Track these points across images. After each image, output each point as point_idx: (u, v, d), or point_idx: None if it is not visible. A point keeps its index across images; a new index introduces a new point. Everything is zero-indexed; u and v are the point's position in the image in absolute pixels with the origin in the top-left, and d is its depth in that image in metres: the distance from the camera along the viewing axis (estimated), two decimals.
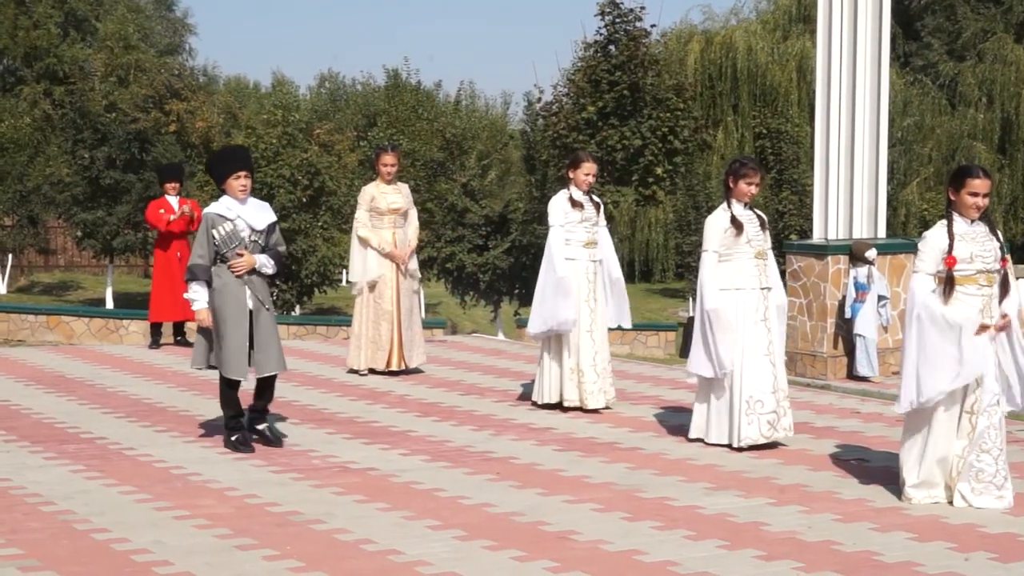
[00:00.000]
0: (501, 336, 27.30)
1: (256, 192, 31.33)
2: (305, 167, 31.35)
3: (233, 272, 9.60)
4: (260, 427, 10.00)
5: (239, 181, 9.70)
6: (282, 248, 10.04)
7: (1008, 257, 8.57)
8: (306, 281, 30.66)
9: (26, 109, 46.98)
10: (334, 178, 32.43)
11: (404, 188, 14.10)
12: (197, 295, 9.61)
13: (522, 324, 28.10)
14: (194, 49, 70.57)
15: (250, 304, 9.66)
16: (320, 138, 34.16)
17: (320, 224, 31.19)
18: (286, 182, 30.55)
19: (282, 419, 11.14)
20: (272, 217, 9.94)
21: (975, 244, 8.28)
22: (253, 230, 9.72)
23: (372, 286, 13.67)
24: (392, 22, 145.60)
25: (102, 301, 35.01)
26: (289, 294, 30.45)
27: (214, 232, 9.60)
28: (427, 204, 31.91)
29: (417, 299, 14.19)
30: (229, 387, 9.80)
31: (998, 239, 8.42)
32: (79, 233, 34.93)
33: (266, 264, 9.76)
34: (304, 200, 30.97)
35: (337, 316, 30.69)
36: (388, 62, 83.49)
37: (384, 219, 13.78)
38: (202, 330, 9.76)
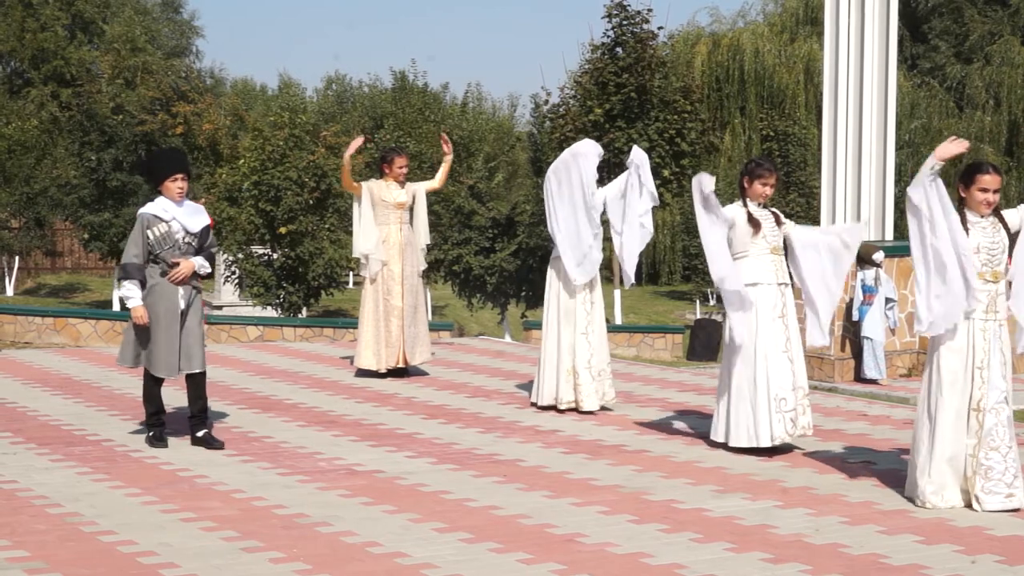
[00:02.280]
0: (508, 338, 27.30)
1: (264, 194, 31.24)
2: (312, 169, 31.30)
3: (171, 280, 9.71)
4: (200, 434, 10.02)
5: (176, 183, 9.80)
6: (215, 249, 10.18)
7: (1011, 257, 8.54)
8: (313, 283, 30.62)
9: (33, 111, 47.06)
10: (341, 180, 32.40)
11: (408, 185, 14.09)
12: (131, 293, 9.70)
13: (529, 326, 28.09)
14: (201, 51, 70.89)
15: (181, 304, 9.80)
16: (327, 140, 34.09)
17: (327, 226, 31.14)
18: (293, 184, 30.51)
19: (289, 421, 11.14)
20: (206, 221, 10.03)
21: (983, 235, 8.28)
22: (187, 232, 9.83)
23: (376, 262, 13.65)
24: (399, 24, 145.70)
25: (109, 303, 35.02)
26: (296, 296, 30.42)
27: (148, 232, 9.71)
28: (434, 206, 31.87)
29: (422, 296, 14.16)
30: (155, 384, 9.94)
31: (1007, 231, 8.39)
32: (86, 235, 34.91)
33: (204, 265, 9.92)
34: (311, 202, 30.92)
35: (344, 318, 30.66)
36: (395, 64, 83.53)
37: (391, 215, 13.76)
38: (135, 328, 9.79)
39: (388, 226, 13.77)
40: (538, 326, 26.72)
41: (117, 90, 35.97)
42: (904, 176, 42.06)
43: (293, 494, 8.40)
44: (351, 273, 33.13)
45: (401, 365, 13.76)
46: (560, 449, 10.14)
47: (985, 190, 8.30)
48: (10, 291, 39.04)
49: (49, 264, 45.36)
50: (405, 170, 13.86)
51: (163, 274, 9.72)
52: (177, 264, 9.72)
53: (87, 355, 16.07)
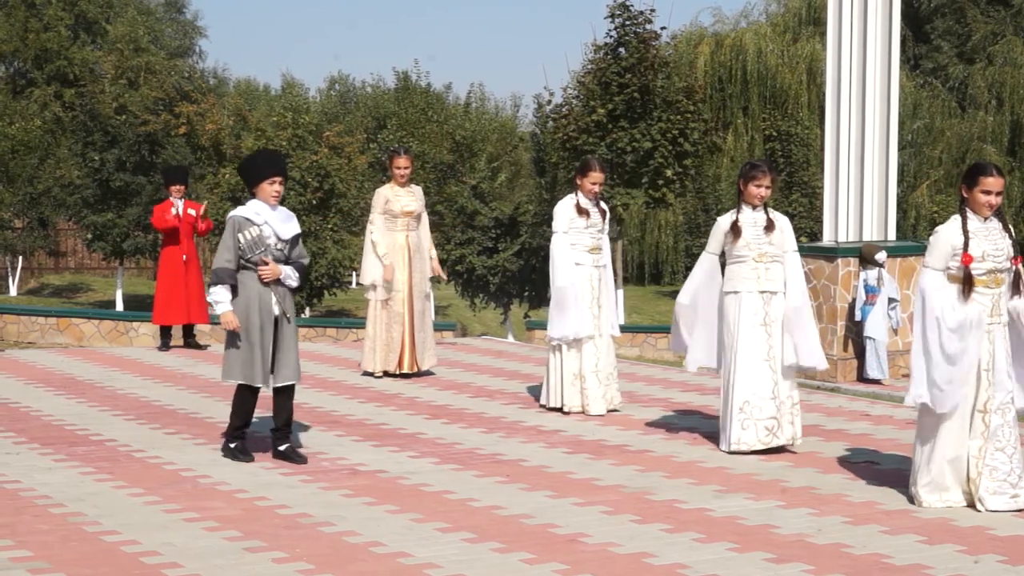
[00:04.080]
0: (511, 338, 27.30)
1: None
2: (315, 169, 31.38)
3: (261, 279, 9.32)
4: (283, 448, 9.57)
5: (273, 186, 9.37)
6: (305, 260, 9.70)
7: (1020, 256, 8.51)
8: (316, 283, 30.68)
9: (36, 111, 47.05)
10: (344, 180, 32.43)
11: (417, 191, 14.07)
12: (221, 297, 9.26)
13: (532, 326, 28.10)
14: (204, 51, 70.71)
15: (275, 311, 9.37)
16: (330, 140, 34.14)
17: (330, 226, 31.22)
18: (296, 184, 30.58)
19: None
20: (298, 228, 9.61)
21: (987, 242, 8.24)
22: (279, 239, 9.39)
23: (387, 286, 13.65)
24: (399, 24, 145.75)
25: (112, 303, 35.05)
26: (299, 296, 30.46)
27: (240, 236, 9.29)
28: (437, 207, 31.94)
29: (429, 302, 14.18)
30: (250, 394, 9.50)
31: (1011, 236, 8.38)
32: (89, 235, 34.97)
33: (291, 276, 9.44)
34: (314, 202, 31.01)
35: (347, 318, 30.70)
36: (396, 64, 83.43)
37: (397, 222, 13.77)
38: (230, 338, 9.39)
39: (394, 233, 13.76)
40: (541, 326, 26.74)
41: (120, 90, 35.98)
42: (907, 176, 42.10)
43: (296, 494, 8.41)
44: (354, 273, 33.12)
45: (409, 371, 13.77)
46: (563, 449, 10.15)
47: (988, 192, 8.26)
48: (13, 291, 39.08)
49: (52, 264, 45.40)
50: (403, 171, 13.81)
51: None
52: (267, 263, 9.30)
53: (90, 355, 16.08)
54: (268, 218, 9.37)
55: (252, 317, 9.31)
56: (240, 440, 9.58)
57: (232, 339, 9.39)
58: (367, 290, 13.93)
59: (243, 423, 9.58)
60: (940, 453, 8.27)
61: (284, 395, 9.55)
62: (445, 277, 14.34)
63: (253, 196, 9.49)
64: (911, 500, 8.45)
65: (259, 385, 9.42)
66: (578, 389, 11.68)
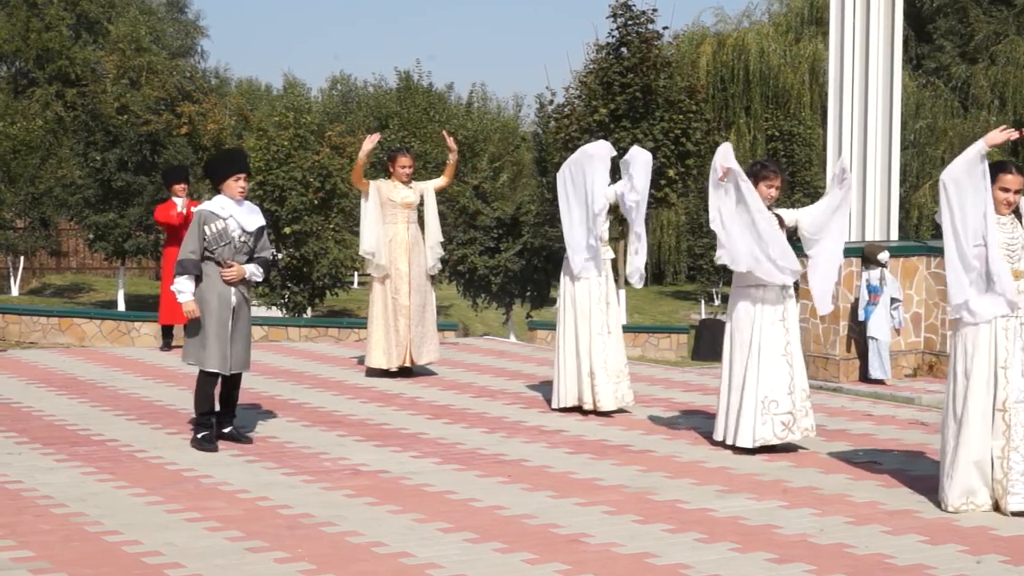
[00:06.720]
0: (513, 338, 27.30)
1: (268, 194, 31.20)
2: (317, 169, 31.32)
3: (224, 280, 9.79)
4: (227, 430, 10.17)
5: (239, 183, 9.93)
6: (267, 253, 10.17)
7: None
8: (318, 283, 30.64)
9: (38, 111, 47.03)
10: (346, 180, 32.37)
11: (416, 185, 14.04)
12: (184, 287, 9.76)
13: (534, 326, 28.09)
14: (205, 51, 70.58)
15: (233, 301, 9.87)
16: (332, 140, 34.08)
17: (332, 226, 31.16)
18: (298, 184, 30.53)
19: (293, 421, 11.14)
20: (262, 221, 10.12)
21: (1003, 232, 8.22)
22: (244, 231, 9.90)
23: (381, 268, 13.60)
24: (402, 23, 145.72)
25: (114, 303, 35.03)
26: (301, 296, 30.43)
27: (205, 229, 9.78)
28: (439, 206, 31.85)
29: (431, 296, 14.10)
30: (209, 383, 9.96)
31: None
32: (91, 235, 34.93)
33: (255, 273, 9.99)
34: (315, 202, 30.94)
35: (349, 318, 30.67)
36: (399, 64, 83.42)
37: (397, 214, 13.73)
38: (190, 324, 9.88)
39: (395, 225, 13.75)
40: (543, 326, 26.79)
41: (122, 90, 35.95)
42: (909, 176, 42.09)
43: (298, 494, 8.40)
44: (356, 273, 33.05)
45: (407, 364, 13.75)
46: (565, 449, 10.14)
47: (1007, 190, 8.25)
48: (15, 291, 39.06)
49: (54, 264, 45.37)
50: (408, 170, 13.83)
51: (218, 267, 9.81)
52: (231, 265, 9.80)
53: (92, 355, 16.08)
54: (233, 212, 9.92)
55: (210, 306, 9.82)
56: (208, 430, 9.96)
57: (193, 325, 9.92)
58: (367, 265, 13.79)
59: (207, 410, 10.01)
60: (964, 455, 8.18)
61: (232, 382, 10.17)
62: (452, 146, 14.38)
63: (219, 193, 10.06)
64: (940, 506, 8.34)
65: (214, 370, 9.91)
66: (589, 386, 11.67)
